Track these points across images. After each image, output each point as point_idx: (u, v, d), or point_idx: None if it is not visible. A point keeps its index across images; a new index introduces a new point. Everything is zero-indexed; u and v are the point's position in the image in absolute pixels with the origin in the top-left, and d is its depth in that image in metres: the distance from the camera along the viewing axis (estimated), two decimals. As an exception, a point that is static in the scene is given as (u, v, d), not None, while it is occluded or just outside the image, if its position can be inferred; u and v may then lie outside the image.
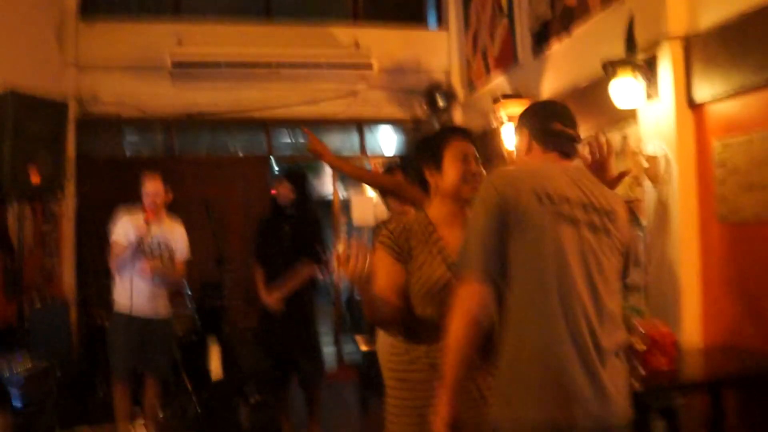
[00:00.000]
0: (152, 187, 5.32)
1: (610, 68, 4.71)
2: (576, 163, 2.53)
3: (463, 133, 2.83)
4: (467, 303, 2.23)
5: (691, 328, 4.43)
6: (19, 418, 3.74)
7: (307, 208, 5.65)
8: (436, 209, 2.77)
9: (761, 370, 3.84)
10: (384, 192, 3.87)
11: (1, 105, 5.19)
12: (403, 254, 2.66)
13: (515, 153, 2.61)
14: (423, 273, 2.62)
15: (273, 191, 5.69)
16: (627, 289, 5.01)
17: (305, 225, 5.56)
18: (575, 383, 2.17)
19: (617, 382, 2.27)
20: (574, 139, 2.54)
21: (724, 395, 4.10)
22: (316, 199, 6.46)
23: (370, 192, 8.35)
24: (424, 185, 2.85)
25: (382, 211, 6.94)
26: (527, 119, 2.60)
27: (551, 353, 2.19)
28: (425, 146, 2.86)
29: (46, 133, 5.49)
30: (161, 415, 5.66)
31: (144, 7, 8.32)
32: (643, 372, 3.58)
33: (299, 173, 5.82)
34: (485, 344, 2.32)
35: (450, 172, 2.72)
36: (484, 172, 2.71)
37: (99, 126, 8.00)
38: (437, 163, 2.75)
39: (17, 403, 4.18)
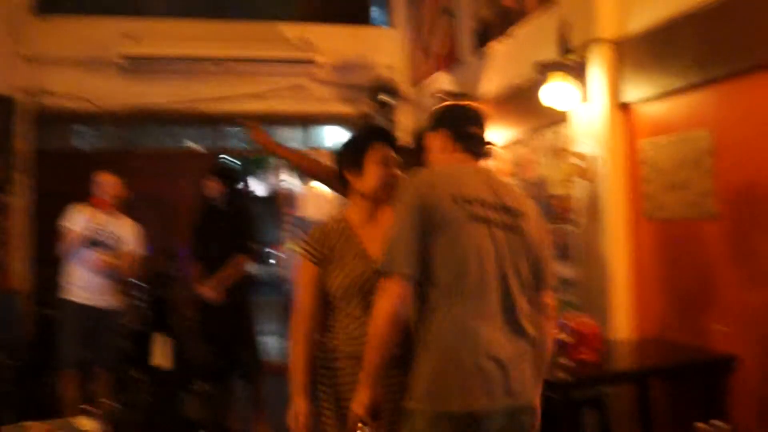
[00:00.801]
0: (105, 179, 5.49)
1: (542, 70, 4.90)
2: (485, 163, 2.70)
3: (384, 136, 2.97)
4: (391, 301, 2.35)
5: (622, 321, 4.63)
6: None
7: (238, 203, 5.83)
8: (355, 210, 2.93)
9: (685, 361, 4.05)
10: (321, 181, 4.03)
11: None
12: (320, 257, 2.85)
13: (429, 151, 2.75)
14: (343, 271, 2.81)
15: (206, 186, 5.84)
16: (563, 284, 5.29)
17: (237, 219, 5.74)
18: (489, 375, 2.34)
19: (525, 370, 2.45)
20: (485, 142, 2.71)
21: (651, 385, 4.33)
22: (267, 193, 6.57)
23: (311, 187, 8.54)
24: (344, 185, 3.00)
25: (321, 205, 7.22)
26: (445, 120, 2.73)
27: (467, 346, 2.35)
28: (347, 149, 3.00)
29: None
30: (111, 407, 5.79)
31: (96, 3, 8.32)
32: (570, 363, 3.78)
33: (228, 168, 6.03)
34: (403, 338, 2.52)
35: (370, 175, 2.87)
36: (401, 174, 2.89)
37: (53, 120, 8.02)
38: (358, 166, 2.92)
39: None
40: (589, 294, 4.85)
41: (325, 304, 2.87)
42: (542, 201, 5.57)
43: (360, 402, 2.45)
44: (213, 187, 5.73)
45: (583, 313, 4.61)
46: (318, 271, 2.86)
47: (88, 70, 7.82)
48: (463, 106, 2.85)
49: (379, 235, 2.68)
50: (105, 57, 7.70)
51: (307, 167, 4.00)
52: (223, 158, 8.31)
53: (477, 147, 2.68)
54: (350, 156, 2.96)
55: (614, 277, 4.66)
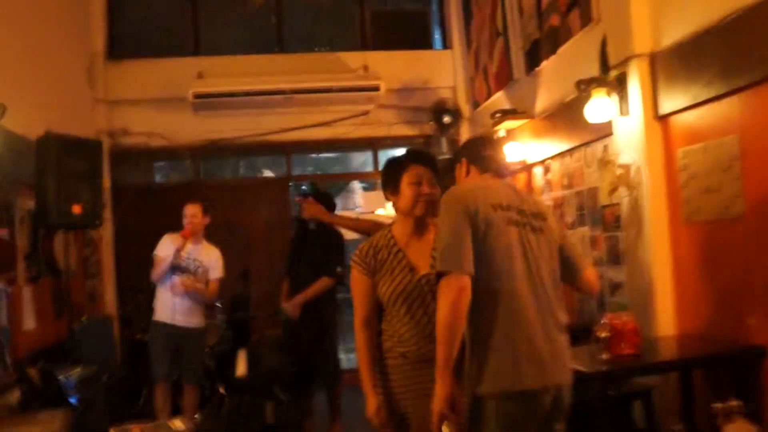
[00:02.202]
0: (190, 210, 5.99)
1: (583, 87, 5.13)
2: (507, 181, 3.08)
3: (420, 158, 3.32)
4: (454, 297, 2.63)
5: (666, 319, 4.79)
6: (74, 413, 4.33)
7: (329, 226, 6.14)
8: (398, 226, 3.31)
9: (720, 352, 4.24)
10: (365, 233, 4.52)
11: (43, 146, 5.81)
12: (370, 268, 3.23)
13: (458, 181, 3.13)
14: (391, 281, 3.18)
15: (301, 210, 6.21)
16: (615, 287, 5.52)
17: (326, 239, 6.09)
18: (540, 358, 2.69)
19: (565, 352, 2.81)
20: (502, 162, 3.16)
21: (692, 376, 4.48)
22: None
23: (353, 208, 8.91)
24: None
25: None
26: (465, 151, 3.21)
27: (520, 335, 2.69)
28: (386, 172, 3.37)
29: (84, 169, 6.07)
30: (197, 417, 6.25)
31: (166, 45, 8.92)
32: (606, 356, 4.05)
33: (322, 192, 6.37)
34: None
35: (405, 194, 3.23)
36: (437, 192, 3.22)
37: (131, 157, 8.60)
38: (396, 187, 3.27)
39: (72, 401, 4.79)
40: (636, 295, 5.05)
41: (378, 310, 3.25)
42: (593, 210, 5.82)
43: (440, 398, 2.71)
44: (307, 210, 6.10)
45: (631, 313, 4.87)
46: (370, 282, 3.23)
47: (161, 109, 8.41)
48: (478, 137, 3.37)
49: (421, 248, 3.08)
50: (177, 95, 8.22)
51: (364, 228, 4.46)
52: (308, 184, 8.70)
53: (495, 167, 3.08)
54: (388, 178, 3.33)
55: (657, 279, 4.83)
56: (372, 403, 3.19)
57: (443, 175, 3.30)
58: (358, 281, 3.32)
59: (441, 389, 2.70)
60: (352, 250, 3.69)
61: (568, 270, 2.98)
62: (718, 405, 3.43)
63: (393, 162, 3.40)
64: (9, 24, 5.98)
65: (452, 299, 2.63)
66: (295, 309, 5.92)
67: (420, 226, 3.27)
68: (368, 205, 8.82)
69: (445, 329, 2.65)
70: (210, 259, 6.01)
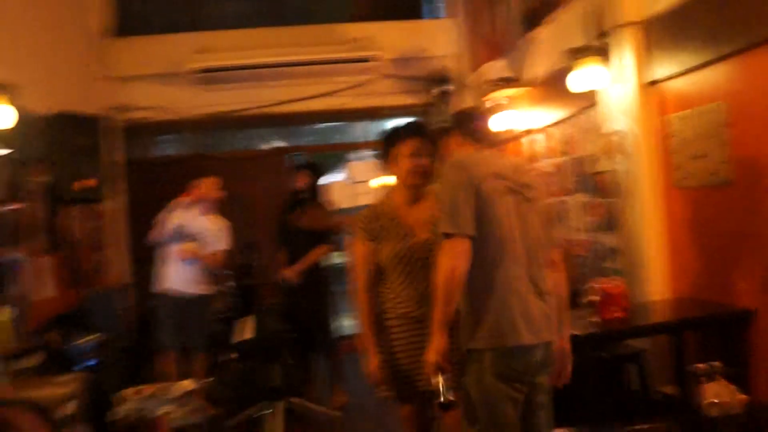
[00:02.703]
0: (209, 181, 6.19)
1: (574, 56, 5.23)
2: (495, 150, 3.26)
3: (416, 131, 3.50)
4: (455, 258, 2.82)
5: (659, 283, 4.95)
6: (90, 376, 4.53)
7: (318, 194, 6.43)
8: (397, 194, 3.50)
9: (706, 315, 4.39)
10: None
11: (52, 124, 5.99)
12: (370, 234, 3.42)
13: (449, 153, 3.28)
14: (389, 245, 3.38)
15: (296, 179, 6.41)
16: (609, 252, 5.67)
17: (317, 208, 6.30)
18: (532, 316, 2.89)
19: (551, 312, 3.01)
20: (491, 133, 3.34)
21: (685, 340, 4.62)
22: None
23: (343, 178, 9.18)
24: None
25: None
26: (456, 124, 3.36)
27: (515, 295, 2.89)
28: (383, 144, 3.55)
29: (90, 145, 6.27)
30: (207, 381, 6.46)
31: (169, 21, 9.03)
32: (596, 319, 4.24)
33: (316, 163, 6.60)
34: None
35: (402, 165, 3.42)
36: (430, 163, 3.39)
37: (139, 131, 8.75)
38: (393, 158, 3.47)
39: (88, 364, 5.00)
40: (630, 261, 5.18)
41: (377, 274, 3.44)
42: (588, 177, 5.95)
43: (435, 350, 2.92)
44: (302, 180, 6.31)
45: (625, 278, 5.02)
46: (371, 246, 3.42)
47: (165, 84, 8.51)
48: (468, 109, 3.50)
49: (417, 215, 3.28)
50: (180, 70, 8.33)
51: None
52: (300, 155, 8.86)
53: (486, 138, 3.27)
54: (386, 150, 3.51)
55: (650, 244, 4.98)
56: (372, 362, 3.38)
57: (439, 143, 3.45)
58: (360, 246, 3.52)
59: (437, 343, 2.92)
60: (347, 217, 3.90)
61: None
62: (700, 365, 3.60)
63: (390, 134, 3.57)
64: (17, 4, 6.11)
65: (452, 261, 2.82)
66: (297, 276, 6.12)
67: (416, 195, 3.45)
68: (358, 175, 8.96)
69: (443, 289, 2.84)
70: (216, 229, 6.16)
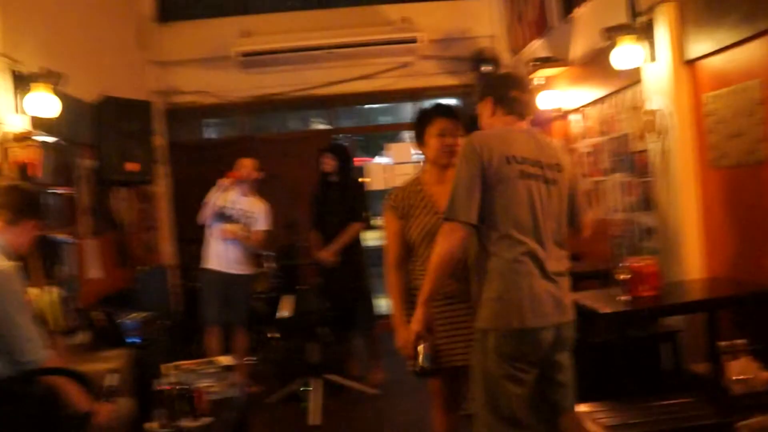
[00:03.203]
0: (246, 162, 6.29)
1: (610, 35, 5.22)
2: (527, 124, 3.18)
3: (444, 111, 3.60)
4: (450, 243, 2.94)
5: (695, 263, 4.95)
6: (135, 352, 4.71)
7: (348, 175, 6.53)
8: (427, 173, 3.62)
9: (745, 294, 4.36)
10: None
11: (99, 109, 6.19)
12: (401, 212, 3.53)
13: (480, 118, 3.26)
14: (418, 222, 3.49)
15: (321, 163, 6.54)
16: (646, 232, 5.68)
17: (349, 191, 6.43)
18: (540, 299, 2.91)
19: (565, 294, 3.02)
20: (528, 103, 3.20)
21: (720, 319, 4.57)
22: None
23: (382, 160, 9.29)
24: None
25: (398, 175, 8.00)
26: (491, 89, 3.23)
27: (522, 277, 2.91)
28: (414, 125, 3.67)
29: (137, 129, 6.47)
30: (249, 358, 6.66)
31: (213, 5, 9.17)
32: (626, 297, 4.24)
33: (340, 145, 6.75)
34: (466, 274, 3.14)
35: (431, 144, 3.53)
36: (459, 142, 3.45)
37: (184, 115, 8.97)
38: (422, 138, 3.57)
39: (133, 341, 5.18)
40: (666, 240, 5.20)
41: (408, 250, 3.54)
42: (626, 156, 5.96)
43: (417, 320, 3.15)
44: (327, 163, 6.44)
45: (660, 257, 5.04)
46: (401, 224, 3.53)
47: (210, 68, 8.69)
48: (504, 74, 3.45)
49: (445, 193, 3.33)
50: (224, 54, 8.46)
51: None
52: (336, 138, 8.96)
53: (520, 109, 3.15)
54: (416, 130, 3.64)
55: (686, 223, 4.98)
56: (402, 335, 3.47)
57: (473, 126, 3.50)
58: (390, 224, 3.63)
59: (419, 314, 3.14)
60: (379, 198, 3.99)
61: (570, 217, 3.15)
62: (724, 343, 3.62)
63: (420, 115, 3.69)
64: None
65: (447, 246, 2.95)
66: (333, 256, 6.25)
67: (444, 173, 3.53)
68: (399, 156, 9.04)
69: (436, 269, 3.01)
70: (256, 210, 6.30)
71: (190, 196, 6.53)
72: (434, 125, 3.56)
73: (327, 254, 6.32)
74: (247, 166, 6.26)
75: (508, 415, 2.90)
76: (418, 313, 3.15)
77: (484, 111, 3.22)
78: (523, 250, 2.92)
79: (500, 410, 2.91)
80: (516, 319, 2.88)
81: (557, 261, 3.02)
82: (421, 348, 3.16)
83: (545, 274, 2.94)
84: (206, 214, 6.17)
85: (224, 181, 6.12)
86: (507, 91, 3.16)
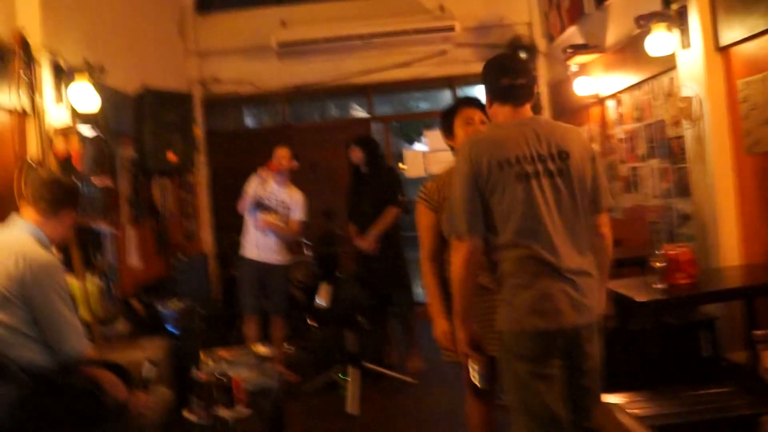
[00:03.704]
0: (280, 152, 6.33)
1: (643, 22, 5.21)
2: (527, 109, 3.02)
3: (470, 101, 3.63)
4: (457, 259, 2.90)
5: (731, 249, 4.90)
6: (173, 341, 4.83)
7: (379, 164, 6.59)
8: None
9: None
10: None
11: (139, 100, 6.33)
12: (434, 204, 3.55)
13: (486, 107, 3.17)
14: None
15: (350, 155, 6.62)
16: (682, 218, 5.65)
17: (380, 179, 6.49)
18: (552, 301, 2.80)
19: (587, 293, 2.86)
20: (524, 87, 3.00)
21: (758, 306, 4.51)
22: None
23: (420, 147, 9.13)
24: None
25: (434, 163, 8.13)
26: (484, 79, 3.08)
27: (534, 282, 2.81)
28: (442, 117, 3.69)
29: (177, 119, 6.58)
30: (286, 347, 6.76)
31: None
32: (661, 285, 4.22)
33: (366, 137, 6.82)
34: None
35: (458, 134, 3.56)
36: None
37: (222, 104, 9.11)
38: (450, 130, 3.59)
39: (172, 330, 5.31)
40: (702, 226, 5.16)
41: (442, 242, 3.49)
42: (662, 142, 5.93)
43: (461, 341, 3.06)
44: (355, 155, 6.52)
45: (696, 244, 5.03)
46: (434, 216, 3.54)
47: (249, 58, 8.81)
48: (497, 59, 3.17)
49: None
50: (263, 44, 8.58)
51: None
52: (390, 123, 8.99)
53: (516, 96, 2.98)
54: (444, 123, 3.68)
55: (721, 210, 4.93)
56: (439, 326, 3.51)
57: None
58: (424, 216, 3.66)
59: (460, 334, 3.04)
60: (417, 185, 4.02)
61: (591, 201, 3.01)
62: (757, 332, 3.59)
63: (447, 108, 3.73)
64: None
65: (457, 264, 2.91)
66: (371, 243, 6.32)
67: None
68: (433, 143, 9.04)
69: (456, 285, 2.96)
70: (292, 200, 6.38)
71: (229, 185, 6.64)
72: (460, 115, 3.60)
73: (366, 241, 6.39)
74: (283, 155, 6.33)
75: (541, 412, 2.82)
76: (460, 335, 3.06)
77: (486, 102, 3.12)
78: (528, 254, 2.82)
79: (533, 409, 2.84)
80: (527, 321, 2.81)
81: (573, 258, 2.87)
82: (475, 367, 3.10)
83: (558, 274, 2.82)
84: (245, 204, 6.26)
85: (263, 173, 6.21)
86: (498, 80, 3.01)
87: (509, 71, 3.02)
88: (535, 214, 2.82)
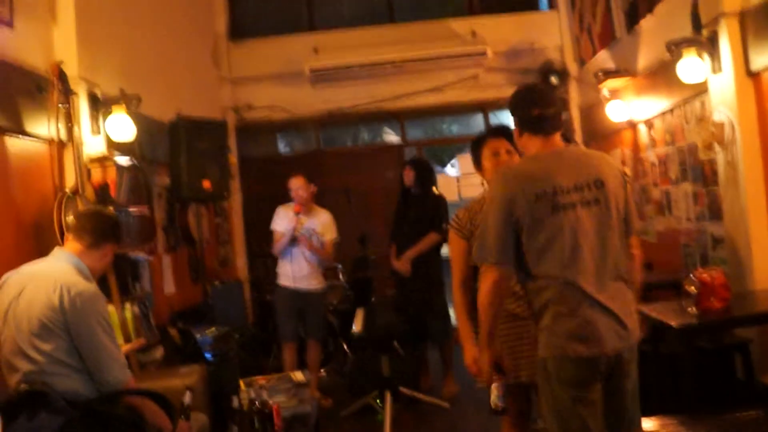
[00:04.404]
0: (295, 184, 6.36)
1: (674, 48, 5.22)
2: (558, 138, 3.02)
3: (497, 132, 3.66)
4: (486, 285, 2.93)
5: (764, 272, 4.87)
6: (210, 368, 4.87)
7: (428, 188, 6.61)
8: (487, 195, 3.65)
9: None
10: None
11: (174, 129, 6.43)
12: (466, 232, 3.58)
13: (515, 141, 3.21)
14: None
15: (403, 176, 6.66)
16: (715, 242, 5.63)
17: (427, 201, 6.53)
18: (594, 328, 2.80)
19: (626, 316, 2.87)
20: (554, 117, 3.00)
21: None
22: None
23: (453, 172, 9.23)
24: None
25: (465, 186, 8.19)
26: (513, 110, 3.09)
27: (571, 311, 2.82)
28: (472, 148, 3.74)
29: (211, 147, 6.67)
30: (321, 372, 6.80)
31: (284, 22, 9.42)
32: (694, 310, 4.24)
33: (421, 160, 6.83)
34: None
35: (486, 166, 3.60)
36: (515, 160, 3.49)
37: (255, 130, 9.23)
38: (479, 161, 3.63)
39: (208, 356, 5.37)
40: (734, 250, 5.15)
41: (473, 270, 3.49)
42: (694, 166, 5.92)
43: (484, 363, 3.10)
44: (408, 176, 6.56)
45: (729, 267, 5.02)
46: (466, 244, 3.58)
47: (281, 84, 8.92)
48: (525, 90, 3.17)
49: None
50: (295, 70, 8.70)
51: None
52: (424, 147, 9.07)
53: (546, 126, 2.98)
54: (473, 154, 3.74)
55: (754, 234, 4.92)
56: (469, 353, 3.53)
57: None
58: (455, 244, 3.69)
59: (483, 356, 3.09)
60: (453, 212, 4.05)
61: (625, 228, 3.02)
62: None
63: (475, 139, 3.76)
64: (142, 18, 6.56)
65: (484, 290, 2.95)
66: (406, 265, 6.37)
67: None
68: (465, 168, 9.08)
69: (482, 311, 2.99)
70: (322, 223, 6.42)
71: (262, 210, 6.71)
72: (487, 147, 3.63)
73: (401, 263, 6.43)
74: (299, 186, 6.35)
75: None
76: (483, 357, 3.11)
77: (516, 133, 3.11)
78: (568, 284, 2.83)
79: None
80: (570, 348, 2.83)
81: (612, 285, 2.88)
82: (494, 387, 3.13)
83: (598, 303, 2.82)
84: (280, 246, 6.34)
85: (290, 213, 6.27)
86: (528, 110, 3.01)
87: (539, 101, 3.02)
88: (574, 244, 2.84)
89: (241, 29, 9.22)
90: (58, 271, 3.28)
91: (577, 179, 2.89)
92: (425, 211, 6.50)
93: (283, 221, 6.36)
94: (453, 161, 10.15)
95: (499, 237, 2.88)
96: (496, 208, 2.91)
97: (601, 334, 2.81)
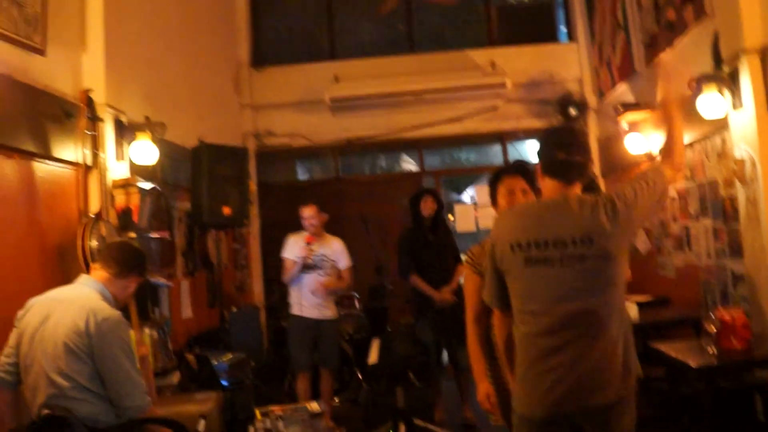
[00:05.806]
0: (307, 213, 6.34)
1: (696, 84, 5.23)
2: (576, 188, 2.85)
3: (512, 170, 3.64)
4: (496, 325, 3.12)
5: (786, 313, 4.85)
6: (226, 394, 4.88)
7: (444, 218, 6.68)
8: None
9: None
10: None
11: (197, 155, 6.49)
12: (480, 269, 3.58)
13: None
14: None
15: (420, 206, 6.66)
16: (735, 279, 5.60)
17: (444, 231, 6.60)
18: (556, 388, 2.70)
19: (601, 376, 2.68)
20: (578, 166, 2.82)
21: None
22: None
23: (470, 200, 9.24)
24: None
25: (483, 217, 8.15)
26: (540, 149, 2.93)
27: (535, 365, 2.77)
28: (489, 185, 3.73)
29: (232, 174, 6.72)
30: (336, 401, 6.78)
31: (305, 51, 9.54)
32: (713, 350, 4.22)
33: (435, 190, 6.87)
34: None
35: (501, 204, 3.59)
36: (531, 198, 3.50)
37: (275, 157, 9.32)
38: (494, 196, 3.64)
39: (224, 383, 5.37)
40: (755, 288, 5.09)
41: (486, 307, 3.50)
42: (715, 203, 5.91)
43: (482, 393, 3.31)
44: (430, 206, 6.58)
45: (750, 305, 4.99)
46: (480, 281, 3.57)
47: (302, 111, 9.05)
48: (553, 132, 3.06)
49: None
50: (316, 98, 8.82)
51: None
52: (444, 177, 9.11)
53: (567, 173, 2.82)
54: (489, 191, 3.73)
55: (775, 272, 4.89)
56: (482, 389, 3.54)
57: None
58: (470, 280, 3.70)
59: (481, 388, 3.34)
60: (465, 240, 4.05)
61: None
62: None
63: (493, 175, 3.75)
64: (168, 47, 6.67)
65: (496, 328, 3.13)
66: (450, 295, 6.36)
67: None
68: (482, 198, 9.08)
69: (498, 350, 3.18)
70: (334, 250, 6.43)
71: (279, 236, 6.71)
72: (503, 184, 3.61)
73: (444, 294, 6.39)
74: (310, 215, 6.33)
75: None
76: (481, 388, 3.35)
77: (538, 173, 2.96)
78: (535, 339, 2.77)
79: None
80: (526, 406, 2.80)
81: (581, 343, 2.71)
82: (493, 418, 3.32)
83: (565, 361, 2.69)
84: (291, 274, 6.33)
85: (300, 242, 6.29)
86: (553, 153, 2.84)
87: (566, 146, 2.84)
88: (540, 297, 2.76)
89: (263, 57, 9.36)
90: (84, 297, 3.33)
91: (562, 233, 2.73)
92: (445, 240, 6.56)
93: (293, 249, 6.35)
94: (471, 191, 10.15)
95: (491, 281, 2.98)
96: (489, 253, 2.98)
97: (566, 394, 2.70)
